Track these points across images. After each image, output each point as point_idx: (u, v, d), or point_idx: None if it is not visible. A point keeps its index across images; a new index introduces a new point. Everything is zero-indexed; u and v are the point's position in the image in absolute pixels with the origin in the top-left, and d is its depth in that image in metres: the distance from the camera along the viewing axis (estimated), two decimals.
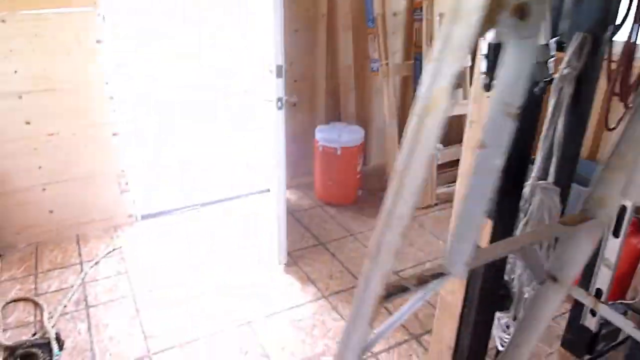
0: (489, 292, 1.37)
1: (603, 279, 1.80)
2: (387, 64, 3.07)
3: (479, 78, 1.24)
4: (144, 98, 3.89)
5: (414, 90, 3.19)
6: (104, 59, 2.65)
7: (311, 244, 2.92)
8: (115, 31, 3.06)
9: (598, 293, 1.77)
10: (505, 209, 1.27)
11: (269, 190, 3.47)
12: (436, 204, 3.36)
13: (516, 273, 1.40)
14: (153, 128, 3.99)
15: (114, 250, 2.81)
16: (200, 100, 4.13)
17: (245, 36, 3.79)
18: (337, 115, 3.54)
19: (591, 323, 1.66)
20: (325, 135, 3.18)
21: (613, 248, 1.73)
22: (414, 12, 3.04)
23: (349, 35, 3.32)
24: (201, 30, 3.89)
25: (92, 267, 2.65)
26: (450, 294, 1.47)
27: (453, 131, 3.69)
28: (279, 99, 2.28)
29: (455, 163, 3.61)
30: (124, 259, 2.74)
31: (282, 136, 2.36)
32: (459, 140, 3.66)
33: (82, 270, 2.62)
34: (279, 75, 2.24)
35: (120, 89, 2.79)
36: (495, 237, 1.27)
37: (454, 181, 3.56)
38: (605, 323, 1.65)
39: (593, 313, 1.66)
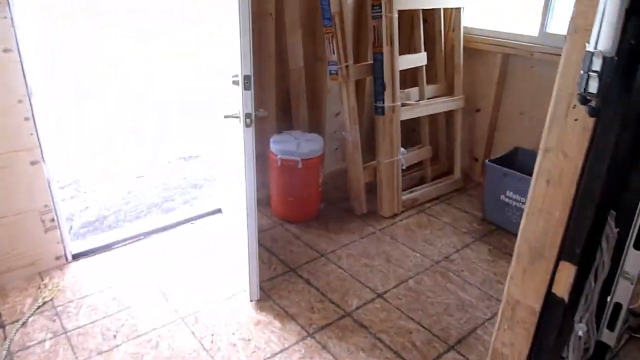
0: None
1: (622, 292, 1.70)
2: (346, 67, 2.81)
3: (562, 97, 1.03)
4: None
5: (374, 92, 2.97)
6: (17, 72, 2.12)
7: (281, 271, 2.60)
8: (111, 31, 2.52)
9: (617, 308, 1.67)
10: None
11: (220, 212, 3.10)
12: (402, 212, 3.19)
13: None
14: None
15: (44, 303, 2.30)
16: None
17: None
18: (289, 122, 3.24)
19: None
20: (283, 147, 2.87)
21: (634, 261, 1.63)
22: (373, 8, 2.81)
23: (299, 35, 3.02)
24: (199, 29, 3.40)
25: (17, 330, 2.14)
26: (508, 346, 1.26)
27: (415, 134, 3.55)
28: (248, 115, 1.94)
29: (415, 166, 3.46)
30: (59, 315, 2.25)
31: (251, 158, 2.03)
32: (418, 142, 3.56)
33: (4, 336, 2.10)
34: (247, 87, 1.90)
35: (42, 107, 2.27)
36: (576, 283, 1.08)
37: (416, 185, 3.45)
38: None
39: None
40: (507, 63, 3.26)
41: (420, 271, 2.62)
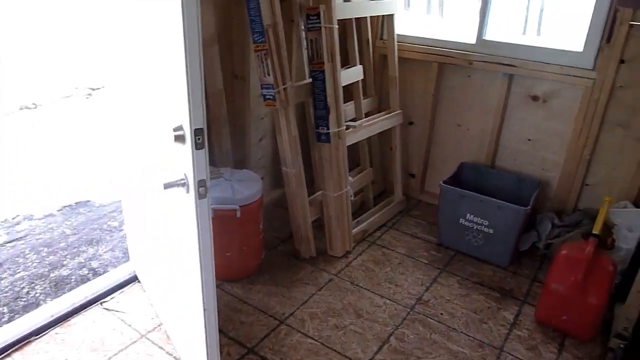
0: None
1: None
2: (285, 90, 2.33)
3: None
4: None
5: (315, 117, 2.53)
6: None
7: (237, 355, 2.06)
8: None
9: None
10: None
11: (137, 279, 2.43)
12: (353, 248, 2.81)
13: None
14: None
15: None
16: None
17: None
18: (211, 156, 2.65)
19: None
20: (217, 194, 2.30)
21: None
22: (309, 19, 2.35)
23: (215, 51, 2.46)
24: None
25: None
26: None
27: (352, 156, 3.16)
28: (201, 183, 1.39)
29: (356, 191, 3.11)
30: None
31: (208, 240, 1.47)
32: (356, 164, 3.18)
33: None
34: (199, 145, 1.34)
35: None
36: None
37: (359, 212, 3.05)
38: None
39: None
40: (442, 72, 3.03)
41: (398, 324, 2.27)
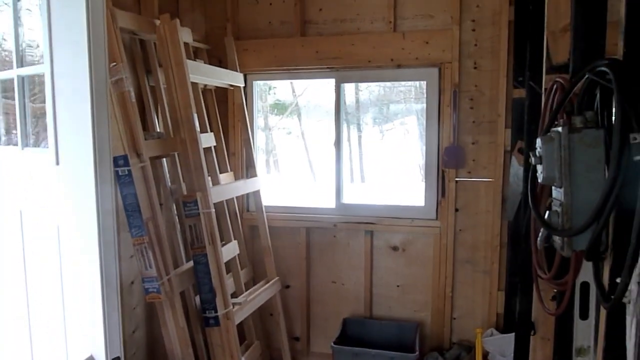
0: None
1: None
2: (169, 280, 2.23)
3: None
4: None
5: (202, 301, 2.43)
6: None
7: None
8: None
9: None
10: None
11: None
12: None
13: None
14: None
15: None
16: None
17: None
18: None
19: None
20: None
21: None
22: (186, 206, 2.37)
23: None
24: None
25: None
26: None
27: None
28: None
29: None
30: None
31: None
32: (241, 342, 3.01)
33: None
34: None
35: None
36: None
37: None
38: None
39: None
40: (311, 235, 3.24)
41: None
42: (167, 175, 2.64)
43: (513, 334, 2.33)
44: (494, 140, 2.86)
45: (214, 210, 2.47)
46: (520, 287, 2.12)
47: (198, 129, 2.44)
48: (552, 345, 1.81)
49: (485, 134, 2.89)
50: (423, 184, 3.05)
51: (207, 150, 2.82)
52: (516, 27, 2.70)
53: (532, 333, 1.88)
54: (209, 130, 2.92)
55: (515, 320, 2.44)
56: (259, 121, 3.46)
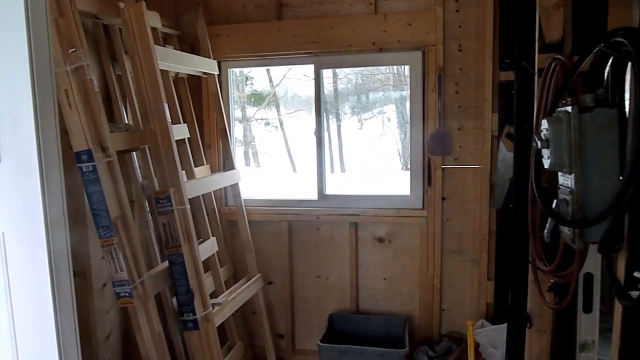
0: None
1: None
2: (142, 283, 2.07)
3: None
4: None
5: (179, 304, 2.28)
6: None
7: None
8: None
9: None
10: None
11: None
12: None
13: None
14: None
15: None
16: None
17: None
18: None
19: None
20: None
21: None
22: (158, 203, 2.21)
23: None
24: None
25: None
26: None
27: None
28: None
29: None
30: None
31: None
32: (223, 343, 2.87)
33: None
34: None
35: None
36: None
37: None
38: None
39: None
40: (293, 229, 3.11)
41: None
42: (138, 171, 2.48)
43: (504, 325, 2.26)
44: (481, 126, 2.76)
45: (189, 206, 2.32)
46: (514, 278, 2.03)
47: (169, 119, 2.27)
48: (548, 338, 1.73)
49: (471, 119, 2.79)
50: (403, 173, 2.94)
51: (181, 142, 2.66)
52: (502, 7, 2.60)
53: (527, 326, 1.79)
54: (181, 121, 2.74)
55: (506, 311, 2.36)
56: (236, 112, 3.31)
